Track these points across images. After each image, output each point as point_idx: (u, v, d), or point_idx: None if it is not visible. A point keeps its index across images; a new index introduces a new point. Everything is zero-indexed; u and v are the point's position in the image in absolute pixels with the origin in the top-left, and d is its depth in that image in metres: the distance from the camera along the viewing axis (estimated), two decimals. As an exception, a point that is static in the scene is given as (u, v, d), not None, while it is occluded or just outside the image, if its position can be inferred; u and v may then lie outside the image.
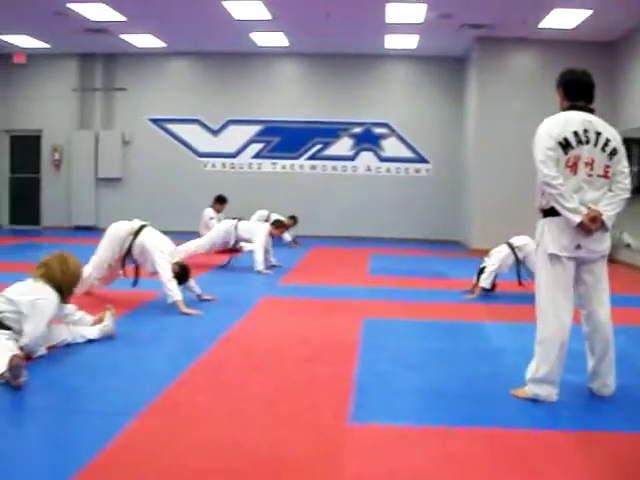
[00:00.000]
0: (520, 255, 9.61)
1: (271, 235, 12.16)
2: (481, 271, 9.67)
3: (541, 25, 14.71)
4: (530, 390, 5.15)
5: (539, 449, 4.26)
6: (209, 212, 15.27)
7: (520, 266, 9.66)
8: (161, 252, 8.13)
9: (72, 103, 19.34)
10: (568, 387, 5.38)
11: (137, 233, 8.40)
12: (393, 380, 5.66)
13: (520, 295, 9.64)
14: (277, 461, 3.94)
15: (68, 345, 6.32)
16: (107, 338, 6.63)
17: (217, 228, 12.47)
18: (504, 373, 5.97)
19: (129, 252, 8.43)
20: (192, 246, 11.74)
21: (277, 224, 12.53)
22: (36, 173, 19.60)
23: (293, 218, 16.50)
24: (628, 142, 14.11)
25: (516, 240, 9.75)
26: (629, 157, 14.11)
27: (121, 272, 8.65)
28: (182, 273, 8.29)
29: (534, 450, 4.24)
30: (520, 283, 9.62)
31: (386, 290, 10.26)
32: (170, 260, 8.16)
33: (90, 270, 8.28)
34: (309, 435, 4.36)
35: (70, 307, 6.47)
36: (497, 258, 9.59)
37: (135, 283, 8.62)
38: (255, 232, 11.90)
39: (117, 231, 8.52)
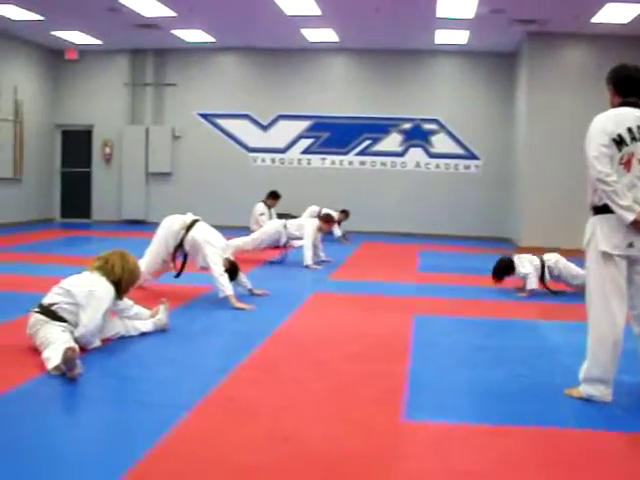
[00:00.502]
0: (554, 272, 9.62)
1: (320, 230, 12.14)
2: (507, 265, 9.70)
3: (594, 20, 14.49)
4: (584, 390, 5.09)
5: (594, 450, 4.21)
6: (260, 207, 15.24)
7: (544, 279, 9.65)
8: (213, 247, 8.17)
9: (123, 98, 19.51)
10: (622, 387, 5.31)
11: (190, 227, 8.45)
12: (446, 377, 5.64)
13: (571, 294, 9.57)
14: (330, 457, 3.95)
15: (122, 338, 6.39)
16: (160, 331, 6.69)
17: (267, 227, 12.43)
18: (557, 372, 5.92)
19: (181, 245, 8.49)
20: (239, 242, 11.73)
21: (326, 218, 12.51)
22: (87, 167, 19.82)
23: (345, 212, 16.51)
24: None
25: (548, 258, 9.67)
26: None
27: (172, 265, 8.71)
28: (231, 269, 8.33)
29: (589, 451, 4.20)
30: (547, 288, 9.69)
31: (436, 287, 10.22)
32: (222, 255, 8.20)
33: (144, 265, 8.33)
34: (362, 431, 4.36)
35: (127, 302, 6.53)
36: (530, 265, 9.54)
37: (178, 275, 8.67)
38: (304, 228, 11.91)
39: (170, 225, 8.58)
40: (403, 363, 5.97)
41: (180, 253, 8.61)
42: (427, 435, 4.36)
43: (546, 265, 9.59)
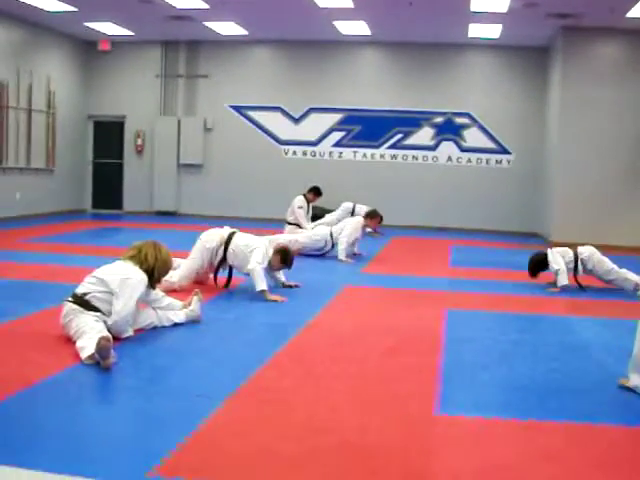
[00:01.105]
0: (588, 266, 9.56)
1: (366, 227, 12.09)
2: (540, 261, 9.66)
3: (629, 14, 14.33)
4: (632, 380, 5.12)
5: (628, 446, 4.19)
6: (300, 200, 14.98)
7: (577, 272, 9.62)
8: (257, 248, 8.20)
9: (155, 90, 19.57)
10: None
11: (228, 241, 8.45)
12: (479, 371, 5.62)
13: (603, 290, 9.54)
14: (365, 448, 3.95)
15: (155, 328, 6.42)
16: (193, 322, 6.72)
17: (314, 235, 12.30)
18: (590, 367, 5.91)
19: (224, 260, 8.52)
20: (287, 238, 11.68)
21: (372, 215, 12.44)
22: (119, 159, 19.91)
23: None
24: None
25: (582, 251, 9.61)
26: None
27: (210, 277, 8.71)
28: (285, 257, 8.47)
29: (623, 446, 4.18)
30: (577, 283, 9.65)
31: (468, 282, 10.18)
32: (264, 252, 8.21)
33: (179, 278, 8.32)
34: (396, 424, 4.36)
35: (158, 293, 6.56)
36: (562, 259, 9.49)
37: (227, 285, 8.69)
38: (348, 226, 11.87)
39: (208, 242, 8.52)
40: (436, 357, 5.96)
41: (224, 267, 8.62)
42: (461, 429, 4.35)
43: (580, 258, 9.54)
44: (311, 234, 12.34)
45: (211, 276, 8.74)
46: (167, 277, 7.75)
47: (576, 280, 9.62)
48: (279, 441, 3.98)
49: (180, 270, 8.40)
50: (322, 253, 12.12)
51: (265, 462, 3.71)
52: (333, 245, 12.01)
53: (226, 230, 8.65)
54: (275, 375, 5.28)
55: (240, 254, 8.33)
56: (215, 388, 4.88)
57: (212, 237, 8.58)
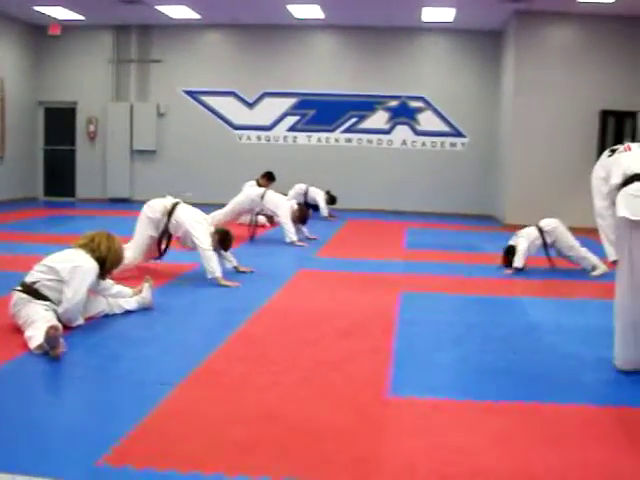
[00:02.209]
0: (549, 239, 9.59)
1: (293, 219, 12.05)
2: (508, 250, 9.69)
3: (581, -1, 14.46)
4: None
5: (579, 424, 4.23)
6: (249, 185, 14.89)
7: (549, 248, 9.65)
8: (199, 226, 8.11)
9: (107, 75, 19.34)
10: (606, 363, 5.35)
11: (171, 212, 8.34)
12: (432, 354, 5.63)
13: (557, 270, 9.61)
14: (316, 433, 3.93)
15: (106, 316, 6.35)
16: (145, 309, 6.65)
17: (241, 197, 12.34)
18: (542, 348, 5.96)
19: (166, 231, 8.42)
20: (218, 216, 11.65)
21: (301, 212, 12.36)
22: (71, 145, 19.66)
23: (329, 195, 16.42)
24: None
25: (545, 224, 9.70)
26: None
27: (158, 252, 8.61)
28: (224, 238, 8.35)
29: (574, 425, 4.21)
30: (550, 261, 9.66)
31: (423, 264, 10.21)
32: (208, 232, 8.14)
33: (130, 255, 8.22)
34: (348, 407, 4.35)
35: (107, 282, 6.47)
36: (526, 239, 9.55)
37: (160, 257, 8.58)
38: (280, 209, 11.85)
39: (151, 213, 8.41)
40: (389, 340, 5.96)
41: (166, 238, 8.52)
42: (413, 410, 4.36)
43: (544, 231, 9.61)
44: (239, 198, 12.37)
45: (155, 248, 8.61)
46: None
47: (549, 260, 9.68)
48: (229, 427, 3.96)
49: (130, 249, 8.30)
50: (253, 218, 12.31)
51: (215, 448, 3.68)
52: (258, 213, 12.22)
53: (169, 200, 8.50)
54: (226, 361, 5.25)
55: (182, 226, 8.21)
56: (166, 375, 4.83)
57: (155, 207, 8.44)
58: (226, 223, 10.35)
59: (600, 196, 5.32)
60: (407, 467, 3.56)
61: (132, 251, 8.22)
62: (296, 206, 12.23)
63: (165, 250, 8.55)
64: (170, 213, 8.30)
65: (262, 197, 12.00)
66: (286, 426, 4.00)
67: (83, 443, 3.70)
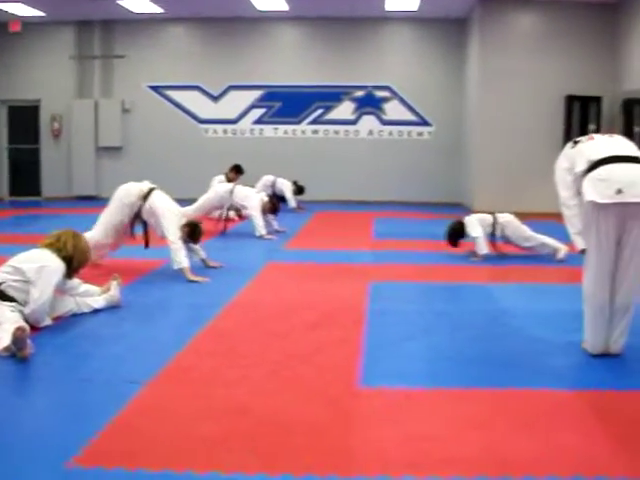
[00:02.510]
0: (498, 232, 9.68)
1: (264, 211, 12.01)
2: (454, 230, 9.78)
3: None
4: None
5: (550, 408, 4.26)
6: (219, 179, 14.79)
7: (495, 237, 9.76)
8: (170, 216, 8.07)
9: (70, 72, 19.14)
10: (576, 346, 5.39)
11: (146, 196, 8.29)
12: (402, 343, 5.64)
13: (522, 257, 9.68)
14: (287, 426, 3.93)
15: (74, 315, 6.30)
16: (113, 307, 6.61)
17: (211, 194, 12.33)
18: (512, 333, 6.00)
19: (138, 215, 8.36)
20: (186, 211, 11.58)
21: (272, 203, 12.33)
22: (35, 143, 19.45)
23: (297, 186, 16.42)
24: (631, 103, 14.09)
25: (500, 216, 9.77)
26: (631, 118, 14.15)
27: (129, 236, 8.56)
28: (193, 231, 8.30)
29: (545, 409, 4.25)
30: (494, 247, 9.79)
31: (391, 254, 10.22)
32: (178, 224, 8.10)
33: (97, 236, 8.16)
34: (319, 399, 4.35)
35: (74, 281, 6.42)
36: (479, 225, 9.60)
37: (147, 246, 8.54)
38: (250, 200, 11.83)
39: (126, 195, 8.34)
40: (359, 330, 5.97)
41: (138, 223, 8.46)
42: (384, 400, 4.37)
43: (498, 222, 9.66)
44: (209, 195, 12.35)
45: (129, 237, 8.58)
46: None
47: (494, 246, 9.74)
48: (200, 423, 3.95)
49: (97, 227, 8.22)
50: (223, 212, 12.31)
51: (186, 445, 3.67)
52: (230, 208, 12.21)
53: (145, 185, 8.45)
54: (196, 356, 5.23)
55: (154, 214, 8.17)
56: (135, 373, 4.81)
57: (131, 190, 8.38)
58: (196, 218, 10.29)
59: (564, 186, 5.36)
60: (379, 457, 3.57)
61: (98, 233, 8.16)
62: (266, 198, 12.22)
63: (148, 239, 8.50)
64: (145, 198, 8.26)
65: (231, 192, 11.97)
66: (257, 420, 4.00)
67: (53, 444, 3.66)
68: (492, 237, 9.71)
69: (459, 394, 4.48)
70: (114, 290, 6.68)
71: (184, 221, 8.28)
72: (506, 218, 9.77)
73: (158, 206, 8.16)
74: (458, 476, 3.37)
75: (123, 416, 4.03)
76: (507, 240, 9.74)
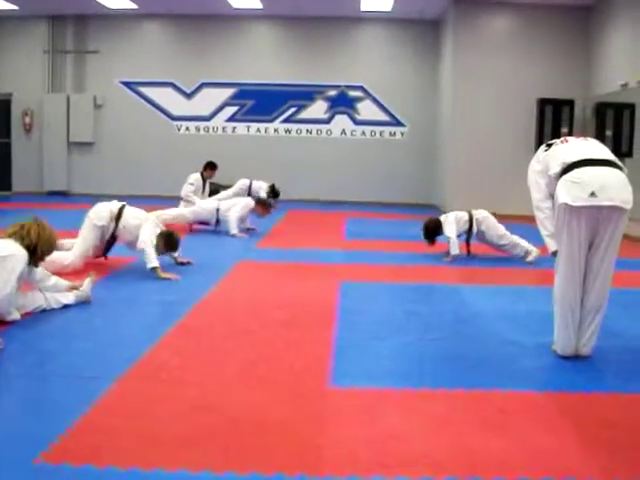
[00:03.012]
0: (476, 228, 9.71)
1: (255, 212, 11.99)
2: (430, 228, 9.82)
3: (516, -13, 14.59)
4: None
5: (519, 410, 4.28)
6: (193, 178, 14.66)
7: (471, 235, 9.81)
8: (148, 227, 8.06)
9: (42, 66, 19.03)
10: (546, 348, 5.43)
11: (118, 216, 8.28)
12: (372, 343, 5.65)
13: (496, 258, 9.72)
14: (258, 424, 3.92)
15: (43, 311, 6.25)
16: (82, 304, 6.56)
17: (199, 209, 12.15)
18: (482, 335, 6.02)
19: (114, 236, 8.35)
20: (168, 217, 11.50)
21: (263, 203, 12.32)
22: (6, 138, 19.32)
23: (272, 188, 16.40)
24: (603, 107, 14.19)
25: (477, 212, 9.82)
26: (603, 122, 14.23)
27: (103, 257, 8.53)
28: (168, 241, 8.29)
29: (514, 411, 4.26)
30: (468, 247, 9.86)
31: (363, 254, 10.24)
32: (155, 232, 8.09)
33: (73, 258, 8.11)
34: (289, 399, 4.34)
35: (42, 272, 6.36)
36: (455, 224, 9.64)
37: (105, 254, 8.54)
38: (237, 205, 11.81)
39: (97, 220, 8.30)
40: (329, 330, 5.97)
41: (113, 244, 8.45)
42: (354, 400, 4.36)
43: (475, 218, 9.70)
44: (197, 208, 12.21)
45: (101, 254, 8.54)
46: (60, 260, 7.65)
47: (468, 246, 9.78)
48: (169, 421, 3.93)
49: (73, 251, 8.20)
50: (207, 224, 12.14)
51: (155, 443, 3.65)
52: (218, 221, 11.98)
53: (115, 204, 8.42)
54: (166, 354, 5.21)
55: (130, 229, 8.18)
56: (105, 370, 4.77)
57: (102, 214, 8.35)
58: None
59: (537, 189, 5.39)
60: (348, 457, 3.57)
61: (73, 255, 8.12)
62: (252, 203, 12.14)
63: (108, 249, 8.50)
64: (118, 218, 8.24)
65: (218, 210, 11.92)
66: (226, 418, 3.98)
67: (20, 441, 3.63)
68: (468, 234, 9.75)
69: (429, 394, 4.49)
70: (86, 286, 6.63)
71: (159, 230, 8.25)
72: (482, 214, 9.82)
73: (133, 225, 8.19)
74: (427, 476, 3.38)
75: (92, 413, 4.00)
76: (482, 237, 9.78)
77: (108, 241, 8.41)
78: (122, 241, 8.44)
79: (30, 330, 5.74)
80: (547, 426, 4.04)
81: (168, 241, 8.28)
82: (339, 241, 11.61)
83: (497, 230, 9.73)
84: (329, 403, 4.30)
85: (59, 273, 7.06)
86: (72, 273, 7.62)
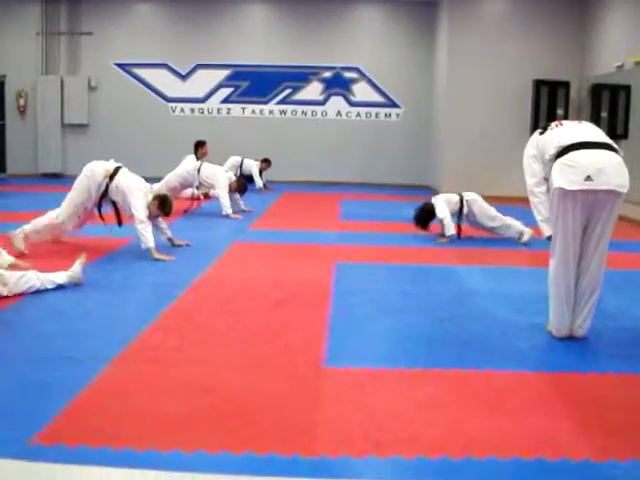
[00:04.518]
0: (466, 209, 9.68)
1: (232, 189, 11.97)
2: (422, 213, 9.80)
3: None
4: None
5: (513, 390, 4.29)
6: (190, 160, 14.71)
7: (462, 216, 9.79)
8: (137, 193, 8.00)
9: (36, 48, 18.92)
10: (540, 329, 5.44)
11: (113, 175, 8.22)
12: (367, 323, 5.65)
13: (491, 239, 9.71)
14: (252, 404, 3.92)
15: (37, 292, 6.21)
16: (77, 285, 6.53)
17: (179, 170, 12.21)
18: (477, 315, 6.02)
19: (105, 194, 8.27)
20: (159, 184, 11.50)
21: (239, 182, 12.30)
22: (0, 120, 19.24)
23: (266, 161, 16.50)
24: (599, 88, 14.17)
25: (467, 194, 9.82)
26: (599, 103, 14.23)
27: (98, 217, 8.46)
28: (163, 202, 8.25)
29: (509, 391, 4.27)
30: (459, 229, 9.81)
31: (358, 235, 10.24)
32: (146, 201, 8.05)
33: (64, 214, 8.09)
34: (283, 378, 4.35)
35: (5, 258, 6.22)
36: (447, 205, 9.63)
37: (120, 224, 8.43)
38: (217, 178, 11.78)
39: (92, 174, 8.22)
40: (324, 310, 5.97)
41: (106, 202, 8.38)
42: (348, 380, 4.36)
43: (465, 200, 9.69)
44: (177, 171, 12.21)
45: (96, 212, 8.43)
46: (50, 220, 7.64)
47: (459, 227, 9.78)
48: (164, 402, 3.93)
49: (64, 206, 8.14)
50: (193, 191, 12.28)
51: (149, 424, 3.65)
52: (200, 183, 12.05)
53: (111, 164, 8.35)
54: (161, 335, 5.21)
55: (121, 193, 8.09)
56: (100, 350, 4.77)
57: (96, 170, 8.25)
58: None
59: (531, 173, 5.38)
60: (342, 437, 3.57)
61: (63, 215, 8.08)
62: (233, 177, 12.20)
63: (120, 218, 8.40)
64: (112, 177, 8.19)
65: (198, 170, 11.91)
66: (221, 398, 3.98)
67: (16, 422, 3.63)
68: (459, 216, 9.74)
69: (423, 374, 4.49)
70: (77, 267, 6.59)
71: (151, 196, 8.21)
72: (472, 196, 9.81)
73: (125, 185, 8.08)
74: (421, 456, 3.38)
75: (87, 394, 4.00)
76: (473, 219, 9.77)
77: (100, 201, 8.30)
78: (115, 201, 8.33)
79: (25, 311, 5.74)
80: (541, 406, 4.04)
81: (163, 203, 8.24)
82: (334, 222, 11.61)
83: (487, 211, 9.71)
84: (323, 383, 4.30)
85: (52, 232, 7.01)
86: (64, 252, 7.54)
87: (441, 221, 9.60)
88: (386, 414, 3.86)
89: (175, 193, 12.02)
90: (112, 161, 8.42)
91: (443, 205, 9.62)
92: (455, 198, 9.77)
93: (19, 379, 4.32)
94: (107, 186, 8.17)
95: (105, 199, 8.29)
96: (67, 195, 8.31)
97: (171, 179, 12.03)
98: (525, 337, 5.36)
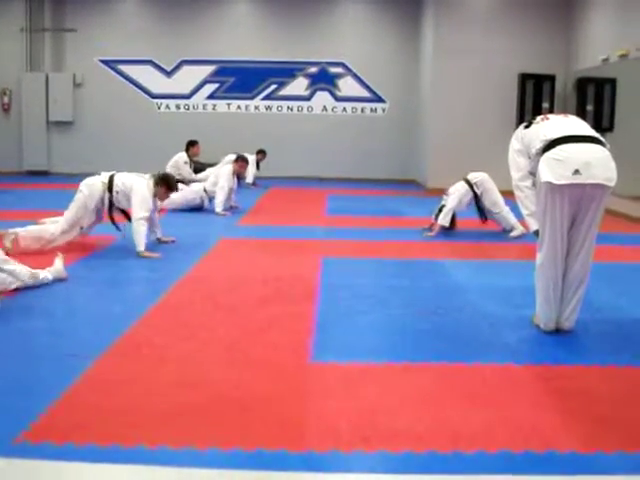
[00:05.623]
0: (478, 191, 9.69)
1: (236, 173, 11.99)
2: (440, 209, 9.73)
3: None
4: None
5: (501, 383, 4.30)
6: (184, 156, 14.73)
7: (480, 203, 9.74)
8: (138, 189, 8.05)
9: (20, 45, 18.80)
10: (528, 322, 5.46)
11: (110, 186, 8.21)
12: (354, 318, 5.65)
13: (478, 233, 9.73)
14: (240, 400, 3.92)
15: (23, 289, 6.16)
16: (63, 282, 6.51)
17: (187, 193, 12.06)
18: (464, 309, 6.03)
19: (112, 206, 8.28)
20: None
21: (242, 159, 12.34)
22: (-15, 117, 19.19)
23: (262, 152, 16.53)
24: (584, 82, 14.20)
25: (473, 177, 9.82)
26: (584, 97, 14.24)
27: (109, 219, 8.44)
28: (169, 183, 8.42)
29: (496, 384, 4.28)
30: (482, 220, 9.76)
31: (345, 230, 10.24)
32: (149, 192, 8.11)
33: (59, 230, 8.02)
34: (271, 374, 4.34)
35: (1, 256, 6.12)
36: (456, 196, 9.65)
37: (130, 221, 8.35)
38: (220, 177, 11.77)
39: (90, 191, 8.20)
40: (312, 305, 5.98)
41: (116, 212, 8.37)
42: (335, 375, 4.37)
43: (472, 183, 9.71)
44: (185, 194, 12.12)
45: (108, 220, 8.42)
46: (43, 233, 7.63)
47: (480, 211, 9.90)
48: (150, 398, 3.92)
49: (60, 224, 8.12)
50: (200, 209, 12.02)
51: (136, 420, 3.64)
52: (211, 200, 11.89)
53: (104, 176, 8.33)
54: (148, 331, 5.20)
55: (125, 195, 8.13)
56: (86, 347, 4.75)
57: (94, 186, 8.24)
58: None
59: (516, 168, 5.39)
60: (330, 432, 3.57)
61: (60, 228, 8.05)
62: (231, 166, 12.12)
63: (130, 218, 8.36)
64: (110, 188, 8.19)
65: (205, 191, 11.92)
66: (208, 394, 3.98)
67: (2, 420, 3.62)
68: (477, 203, 9.83)
69: (410, 368, 4.50)
70: (58, 264, 6.57)
71: (152, 182, 8.23)
72: (480, 177, 9.91)
73: (125, 185, 8.16)
74: (409, 450, 3.39)
75: (73, 391, 3.99)
76: (481, 198, 9.81)
77: (110, 211, 8.33)
78: (122, 207, 8.34)
79: (10, 309, 5.70)
80: (529, 399, 4.05)
81: (168, 184, 8.40)
82: (320, 217, 11.61)
83: (492, 196, 9.75)
84: (311, 378, 4.30)
85: (44, 246, 7.03)
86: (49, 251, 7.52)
87: (442, 207, 9.62)
88: (374, 409, 3.86)
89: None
90: (104, 173, 8.41)
91: (454, 196, 9.63)
92: (463, 187, 9.79)
93: (5, 377, 4.30)
94: (110, 198, 8.19)
95: (114, 209, 8.30)
96: (65, 214, 8.24)
97: (181, 201, 11.86)
98: (512, 330, 5.37)
